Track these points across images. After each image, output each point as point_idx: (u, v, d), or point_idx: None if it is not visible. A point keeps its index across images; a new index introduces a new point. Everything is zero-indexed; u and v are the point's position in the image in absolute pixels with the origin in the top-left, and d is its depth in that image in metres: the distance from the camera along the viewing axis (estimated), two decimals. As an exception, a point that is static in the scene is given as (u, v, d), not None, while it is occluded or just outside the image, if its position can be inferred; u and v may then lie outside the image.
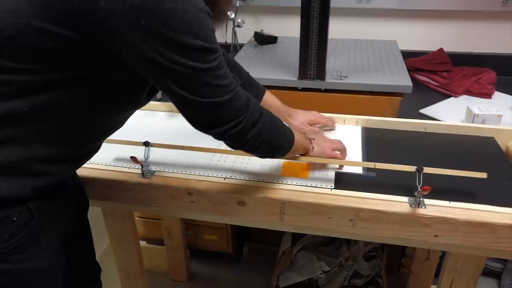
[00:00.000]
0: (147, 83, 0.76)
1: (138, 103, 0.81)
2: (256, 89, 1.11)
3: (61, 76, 0.66)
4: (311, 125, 1.13)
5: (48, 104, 0.67)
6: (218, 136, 0.76)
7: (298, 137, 0.88)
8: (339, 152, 0.98)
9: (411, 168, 0.87)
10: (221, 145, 1.09)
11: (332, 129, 1.17)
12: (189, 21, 0.62)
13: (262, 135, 0.78)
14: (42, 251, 0.78)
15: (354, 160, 1.03)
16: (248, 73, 1.11)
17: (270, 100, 1.12)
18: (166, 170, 0.98)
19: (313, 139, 0.96)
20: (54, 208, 0.79)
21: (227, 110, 0.72)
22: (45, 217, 0.76)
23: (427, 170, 0.86)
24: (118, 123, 0.84)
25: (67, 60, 0.65)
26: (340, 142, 1.00)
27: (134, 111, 0.85)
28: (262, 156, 0.85)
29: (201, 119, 0.74)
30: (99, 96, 0.72)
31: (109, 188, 0.97)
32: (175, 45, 0.63)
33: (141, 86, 0.76)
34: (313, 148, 0.94)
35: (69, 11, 0.61)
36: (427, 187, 0.81)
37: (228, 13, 1.75)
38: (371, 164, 0.93)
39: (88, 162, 0.99)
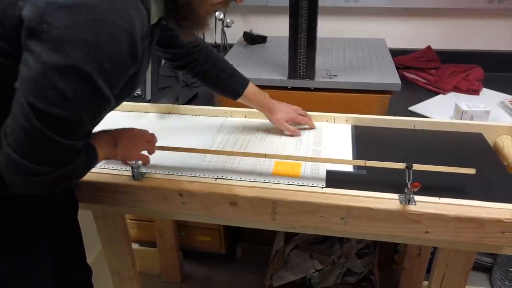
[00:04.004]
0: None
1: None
2: (238, 82, 1.11)
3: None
4: (290, 122, 1.14)
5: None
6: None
7: (101, 153, 0.82)
8: (144, 158, 0.94)
9: (401, 166, 0.88)
10: (212, 145, 1.10)
11: (311, 128, 1.18)
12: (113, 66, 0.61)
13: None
14: (28, 253, 0.77)
15: (345, 159, 1.03)
16: (232, 65, 1.12)
17: (251, 95, 1.12)
18: (157, 172, 0.98)
19: (121, 142, 0.89)
20: (38, 210, 0.78)
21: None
22: (29, 220, 0.75)
23: (416, 167, 0.87)
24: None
25: None
26: (148, 133, 0.95)
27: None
28: None
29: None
30: None
31: (100, 191, 0.96)
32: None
33: None
34: (117, 154, 0.88)
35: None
36: (417, 183, 0.82)
37: (217, 13, 1.75)
38: (361, 162, 0.93)
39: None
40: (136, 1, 0.63)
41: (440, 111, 1.42)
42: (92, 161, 0.78)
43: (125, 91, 0.74)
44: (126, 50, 0.62)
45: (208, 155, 1.05)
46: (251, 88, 1.12)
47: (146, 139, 0.95)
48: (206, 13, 0.78)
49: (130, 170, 0.95)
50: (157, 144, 1.01)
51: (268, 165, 1.00)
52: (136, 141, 0.93)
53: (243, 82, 1.11)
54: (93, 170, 0.98)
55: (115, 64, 0.62)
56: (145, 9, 0.65)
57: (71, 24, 0.57)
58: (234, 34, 1.81)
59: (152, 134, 0.96)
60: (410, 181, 0.84)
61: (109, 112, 0.71)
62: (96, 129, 0.84)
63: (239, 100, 1.13)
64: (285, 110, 1.14)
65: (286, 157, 1.01)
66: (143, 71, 0.77)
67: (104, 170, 0.99)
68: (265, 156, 0.98)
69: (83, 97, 0.61)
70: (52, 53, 0.57)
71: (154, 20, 0.76)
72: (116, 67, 0.62)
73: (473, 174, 0.88)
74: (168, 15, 0.77)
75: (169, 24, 0.80)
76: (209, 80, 1.11)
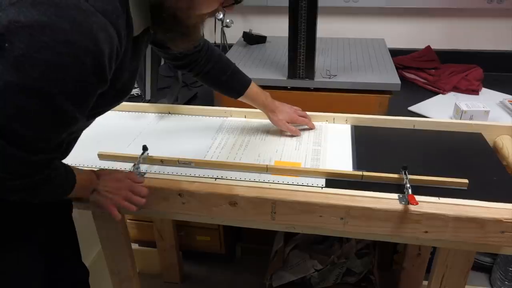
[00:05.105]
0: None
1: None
2: (240, 82, 1.11)
3: None
4: (291, 123, 1.14)
5: None
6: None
7: (75, 191, 0.82)
8: (116, 216, 0.90)
9: (398, 178, 0.90)
10: (212, 145, 1.10)
11: (311, 128, 1.18)
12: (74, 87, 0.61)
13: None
14: (18, 251, 0.77)
15: (344, 159, 1.03)
16: (234, 64, 1.12)
17: (253, 94, 1.12)
18: (157, 171, 0.98)
19: (98, 190, 0.88)
20: (30, 209, 0.78)
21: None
22: (19, 217, 0.75)
23: (411, 177, 0.88)
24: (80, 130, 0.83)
25: None
26: (131, 175, 0.92)
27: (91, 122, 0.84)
28: None
29: None
30: None
31: (99, 191, 0.96)
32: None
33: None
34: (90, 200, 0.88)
35: None
36: (414, 202, 0.82)
37: (217, 13, 1.75)
38: (358, 174, 0.93)
39: (78, 164, 0.99)
40: (104, 22, 0.62)
41: (439, 111, 1.42)
42: (66, 186, 0.79)
43: (105, 104, 0.74)
44: (90, 71, 0.61)
45: (209, 154, 1.05)
46: (253, 88, 1.12)
47: (129, 186, 0.90)
48: (194, 24, 0.77)
49: (130, 169, 0.95)
50: (156, 144, 1.01)
51: (268, 165, 1.00)
52: (121, 188, 0.89)
53: (245, 82, 1.12)
54: (92, 169, 0.99)
55: (79, 84, 0.62)
56: (114, 29, 0.64)
57: (33, 44, 0.56)
58: (234, 34, 1.81)
59: (129, 174, 0.93)
60: (408, 185, 0.85)
61: (79, 125, 0.71)
62: (97, 131, 0.84)
63: (241, 99, 1.13)
64: (286, 110, 1.14)
65: (286, 171, 0.97)
66: (127, 84, 0.77)
67: (103, 170, 0.99)
68: (267, 169, 0.97)
69: (44, 116, 0.62)
70: (13, 72, 0.57)
71: (138, 31, 0.75)
72: (80, 87, 0.62)
73: (472, 174, 0.88)
74: (154, 26, 0.77)
75: (157, 35, 0.80)
76: (211, 80, 1.11)
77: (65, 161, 0.82)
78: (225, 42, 1.84)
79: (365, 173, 0.92)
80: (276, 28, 1.76)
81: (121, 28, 0.66)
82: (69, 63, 0.59)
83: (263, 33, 1.74)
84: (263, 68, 1.45)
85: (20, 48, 0.56)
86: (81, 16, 0.59)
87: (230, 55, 1.59)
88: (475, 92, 1.56)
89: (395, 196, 0.86)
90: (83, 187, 0.85)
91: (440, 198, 0.86)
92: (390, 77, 1.34)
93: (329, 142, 1.11)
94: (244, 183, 0.93)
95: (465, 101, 1.33)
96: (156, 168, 0.99)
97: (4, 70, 0.57)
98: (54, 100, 0.61)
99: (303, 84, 1.35)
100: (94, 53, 0.60)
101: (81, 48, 0.59)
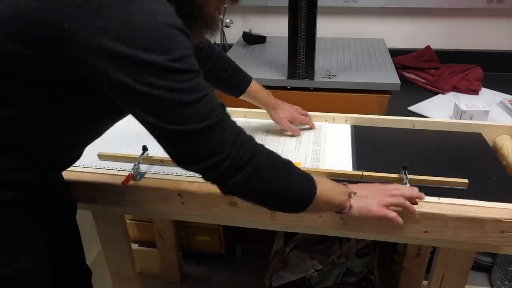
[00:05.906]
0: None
1: (120, 117, 0.80)
2: (241, 79, 1.11)
3: (38, 93, 0.65)
4: (291, 122, 1.15)
5: (22, 118, 0.67)
6: (200, 175, 0.67)
7: (325, 192, 0.72)
8: (392, 213, 0.78)
9: (397, 177, 0.90)
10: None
11: (311, 128, 1.18)
12: (157, 38, 0.58)
13: (253, 182, 0.67)
14: (24, 256, 0.77)
15: (344, 159, 1.03)
16: (234, 62, 1.12)
17: (254, 92, 1.12)
18: (157, 172, 0.98)
19: (355, 193, 0.77)
20: (36, 213, 0.78)
21: (204, 141, 0.62)
22: (25, 222, 0.75)
23: (411, 177, 0.89)
24: (98, 133, 0.83)
25: (42, 80, 0.64)
26: (396, 188, 0.81)
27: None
28: (264, 206, 0.73)
29: (177, 152, 0.66)
30: (79, 113, 0.71)
31: (99, 191, 0.96)
32: (139, 64, 0.58)
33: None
34: (351, 206, 0.76)
35: (37, 34, 0.59)
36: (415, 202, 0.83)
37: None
38: (358, 173, 0.93)
39: (77, 165, 0.99)
40: None
41: (439, 111, 1.42)
42: (290, 174, 0.71)
43: None
44: (179, 32, 0.61)
45: (208, 155, 1.05)
46: (254, 85, 1.12)
47: (390, 188, 0.81)
48: (213, 10, 0.75)
49: (130, 170, 0.96)
50: (156, 144, 1.00)
51: (267, 165, 1.00)
52: (378, 196, 0.78)
53: (246, 80, 1.11)
54: (91, 170, 0.99)
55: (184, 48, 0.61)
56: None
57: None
58: (234, 34, 1.81)
59: (396, 186, 0.83)
60: (408, 185, 0.85)
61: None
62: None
63: (242, 98, 1.13)
64: (287, 109, 1.14)
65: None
66: None
67: (103, 170, 0.99)
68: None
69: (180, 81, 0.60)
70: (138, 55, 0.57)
71: None
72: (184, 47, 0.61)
73: (472, 176, 0.88)
74: None
75: None
76: (212, 78, 1.11)
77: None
78: (225, 42, 1.84)
79: (365, 173, 0.92)
80: (276, 28, 1.76)
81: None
82: (164, 29, 0.58)
83: (263, 33, 1.74)
84: (263, 68, 1.45)
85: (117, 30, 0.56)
86: None
87: (230, 55, 1.59)
88: (475, 92, 1.56)
89: (395, 196, 0.86)
90: (337, 189, 0.75)
91: (440, 198, 0.86)
92: (390, 77, 1.34)
93: (329, 142, 1.11)
94: (244, 183, 0.93)
95: (465, 101, 1.33)
96: (156, 168, 0.99)
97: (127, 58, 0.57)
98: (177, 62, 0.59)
99: (303, 84, 1.35)
100: (174, 18, 0.61)
101: (166, 14, 0.59)
